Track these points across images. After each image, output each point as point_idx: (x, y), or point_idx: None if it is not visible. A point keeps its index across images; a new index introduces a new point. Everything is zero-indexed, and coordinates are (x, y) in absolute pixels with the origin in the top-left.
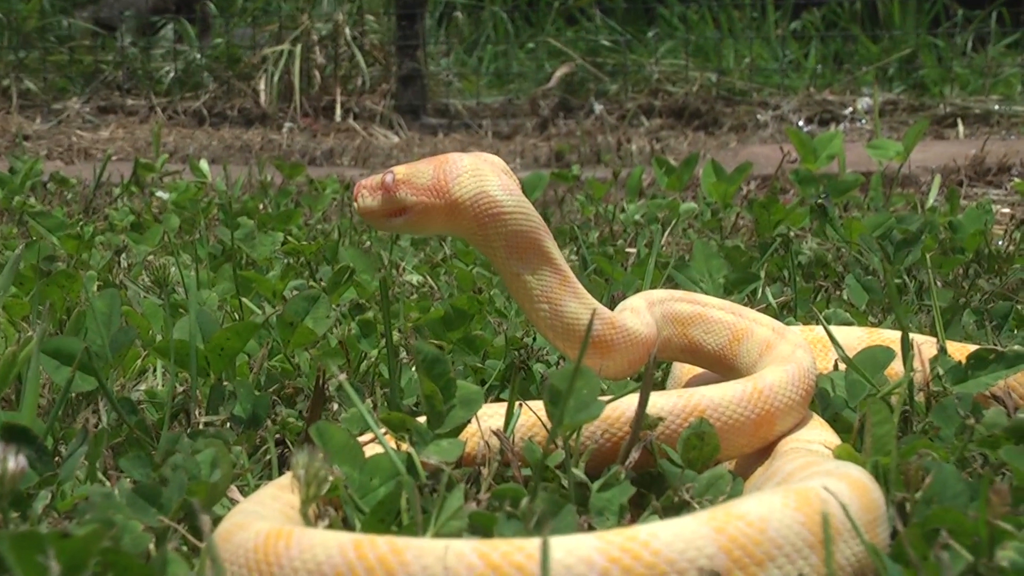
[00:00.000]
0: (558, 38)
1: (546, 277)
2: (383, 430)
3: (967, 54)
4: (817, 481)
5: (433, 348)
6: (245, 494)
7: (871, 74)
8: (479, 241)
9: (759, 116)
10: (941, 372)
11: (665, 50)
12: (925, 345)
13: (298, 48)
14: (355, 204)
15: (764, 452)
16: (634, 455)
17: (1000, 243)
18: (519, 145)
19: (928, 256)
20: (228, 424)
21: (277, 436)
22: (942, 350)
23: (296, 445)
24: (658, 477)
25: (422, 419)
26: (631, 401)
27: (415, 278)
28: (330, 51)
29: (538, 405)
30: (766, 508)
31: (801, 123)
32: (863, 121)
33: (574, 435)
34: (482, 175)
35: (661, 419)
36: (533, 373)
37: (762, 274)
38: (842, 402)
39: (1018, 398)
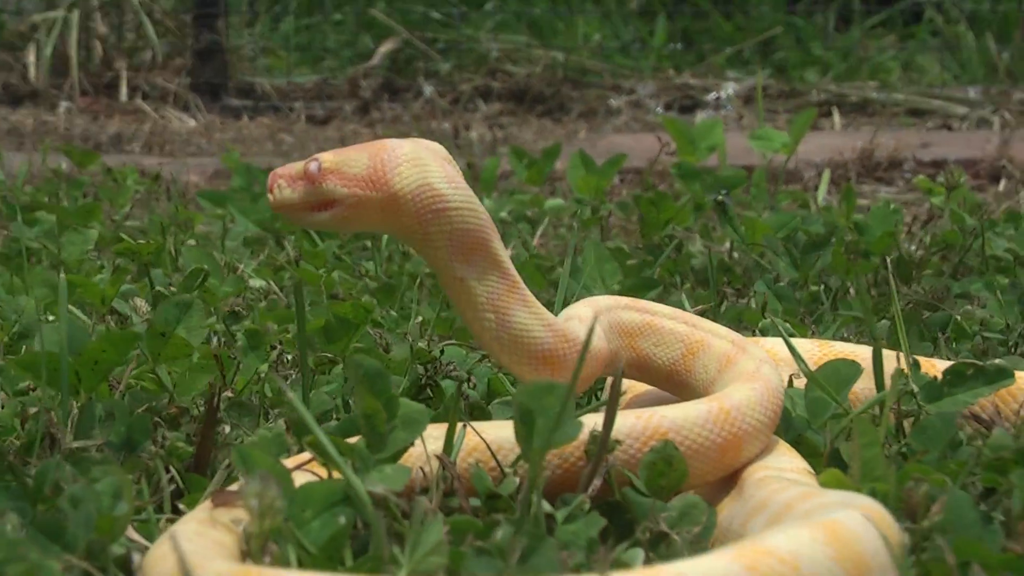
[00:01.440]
0: (382, 9)
1: (493, 283)
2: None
3: (830, 35)
4: (841, 513)
5: (374, 361)
6: (141, 529)
7: (723, 57)
8: (418, 240)
9: (612, 101)
10: (915, 389)
11: (495, 24)
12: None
13: (75, 15)
14: (269, 196)
15: (727, 482)
16: (596, 483)
17: (910, 246)
18: (337, 131)
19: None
20: (102, 449)
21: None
22: (915, 364)
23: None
24: (617, 507)
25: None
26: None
27: (258, 283)
28: (113, 19)
29: (479, 426)
30: (795, 543)
31: (660, 109)
32: (729, 108)
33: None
34: (424, 164)
35: (619, 442)
36: (442, 390)
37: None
38: (804, 422)
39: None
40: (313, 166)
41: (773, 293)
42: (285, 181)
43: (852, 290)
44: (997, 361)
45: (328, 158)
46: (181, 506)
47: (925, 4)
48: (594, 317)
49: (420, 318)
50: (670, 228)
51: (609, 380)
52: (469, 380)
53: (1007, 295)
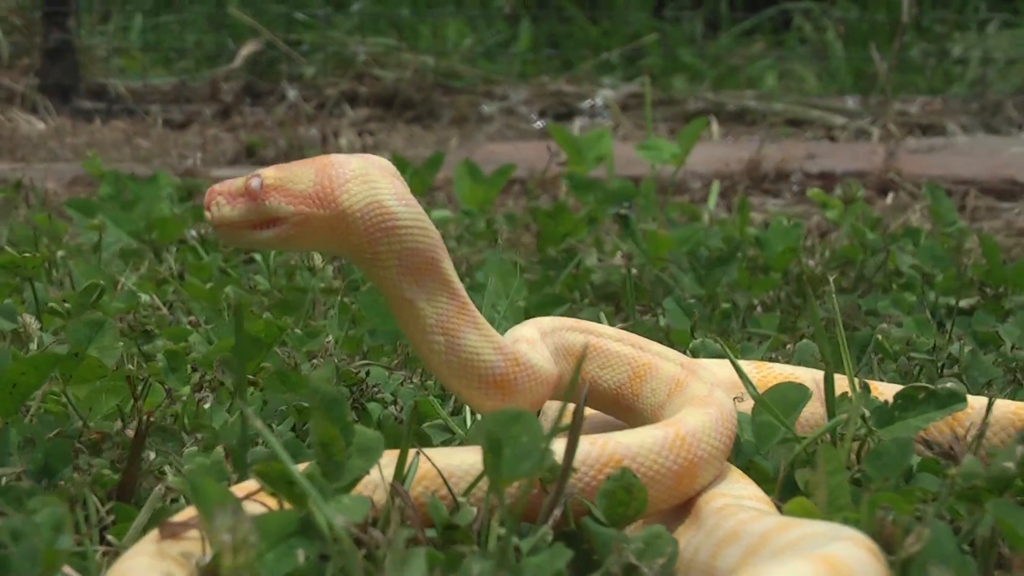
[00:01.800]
0: (243, 8)
1: (442, 304)
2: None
3: (696, 41)
4: (836, 546)
5: (331, 386)
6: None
7: (592, 63)
8: (367, 259)
9: (484, 108)
10: (866, 413)
11: (361, 26)
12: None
13: None
14: (207, 214)
15: (680, 510)
16: (557, 513)
17: (807, 261)
18: (198, 136)
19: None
20: (20, 478)
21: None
22: (865, 388)
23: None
24: (574, 536)
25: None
26: None
27: (144, 297)
28: None
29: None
30: None
31: (534, 116)
32: (605, 116)
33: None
34: (374, 181)
35: (574, 470)
36: (369, 413)
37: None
38: (752, 447)
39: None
40: (255, 182)
41: (682, 310)
42: (224, 198)
43: (759, 307)
44: (949, 385)
45: (271, 174)
46: (110, 537)
47: (794, 11)
48: (541, 339)
49: (331, 337)
50: (566, 242)
51: (571, 406)
52: (396, 402)
53: (916, 313)
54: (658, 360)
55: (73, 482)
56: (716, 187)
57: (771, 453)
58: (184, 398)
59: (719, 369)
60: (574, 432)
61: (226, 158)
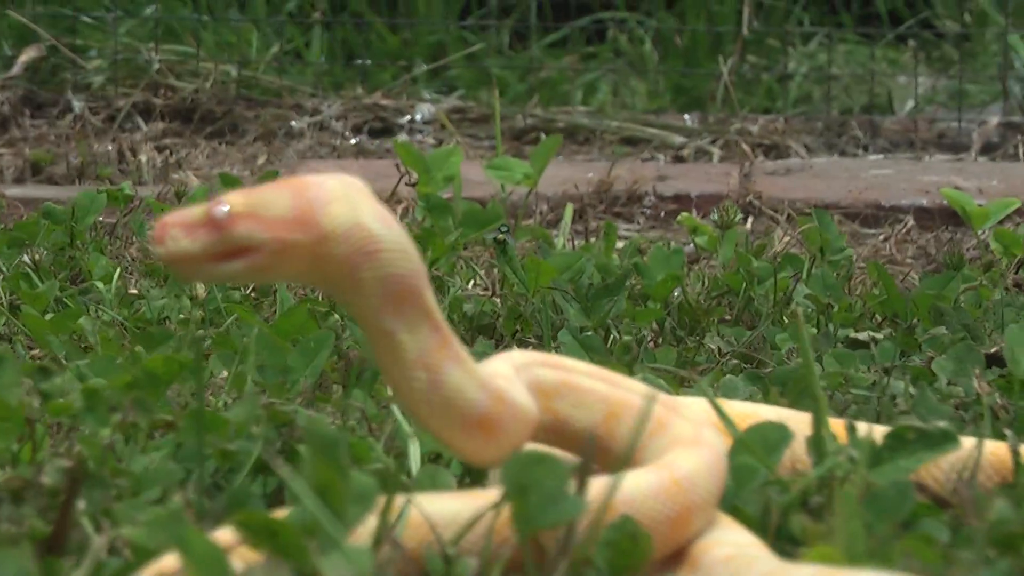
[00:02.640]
0: (20, 10)
1: (424, 337)
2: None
3: (504, 53)
4: None
5: (327, 427)
6: None
7: (405, 76)
8: (346, 287)
9: (294, 123)
10: (854, 455)
11: (145, 33)
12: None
13: None
14: (159, 248)
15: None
16: (563, 566)
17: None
18: None
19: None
20: None
21: None
22: (850, 428)
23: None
24: None
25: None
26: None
27: None
28: None
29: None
30: None
31: (349, 133)
32: (425, 132)
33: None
34: (356, 202)
35: None
36: (300, 456)
37: None
38: (730, 491)
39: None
40: (219, 210)
41: (580, 344)
42: (180, 230)
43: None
44: (939, 424)
45: (238, 200)
46: None
47: (608, 23)
48: (515, 375)
49: (224, 372)
50: (433, 269)
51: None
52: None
53: (818, 345)
54: (634, 398)
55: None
56: (570, 210)
57: (753, 497)
58: (106, 441)
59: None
60: (583, 478)
61: (10, 176)
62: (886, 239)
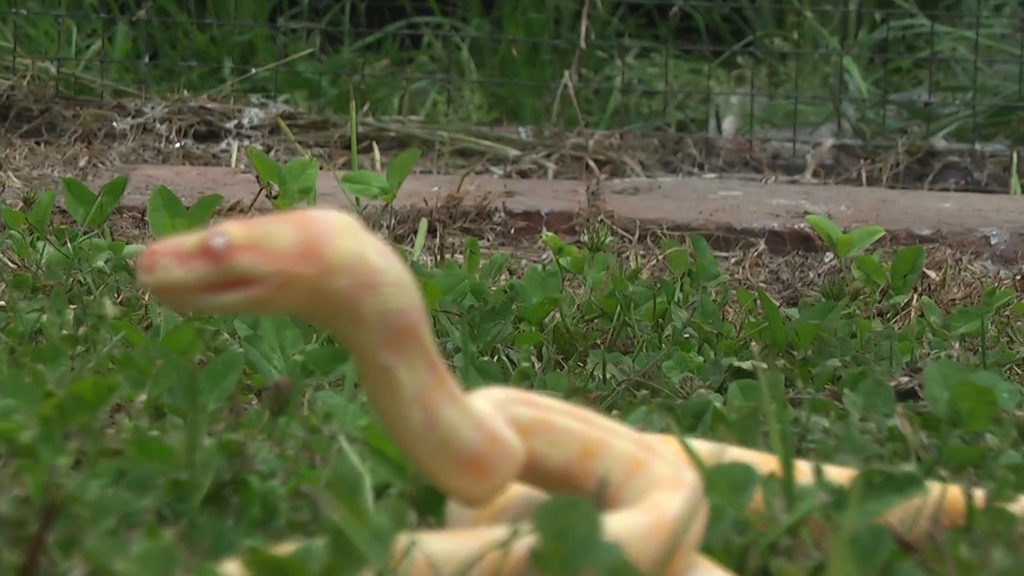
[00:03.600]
0: None
1: (421, 374)
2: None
3: (315, 56)
4: None
5: (353, 465)
6: None
7: (197, 72)
8: (346, 320)
9: (116, 124)
10: (825, 499)
11: None
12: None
13: None
14: (147, 277)
15: None
16: None
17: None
18: None
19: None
20: None
21: None
22: (818, 471)
23: None
24: None
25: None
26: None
27: None
28: None
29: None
30: None
31: (174, 136)
32: (253, 138)
33: None
34: (359, 236)
35: None
36: (251, 488)
37: None
38: None
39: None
40: (218, 241)
41: (476, 368)
42: (173, 260)
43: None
44: (905, 469)
45: (238, 232)
46: None
47: (423, 28)
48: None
49: (144, 396)
50: None
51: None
52: (274, 474)
53: (707, 374)
54: (609, 437)
55: None
56: (424, 226)
57: (723, 537)
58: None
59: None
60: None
61: None
62: (738, 262)
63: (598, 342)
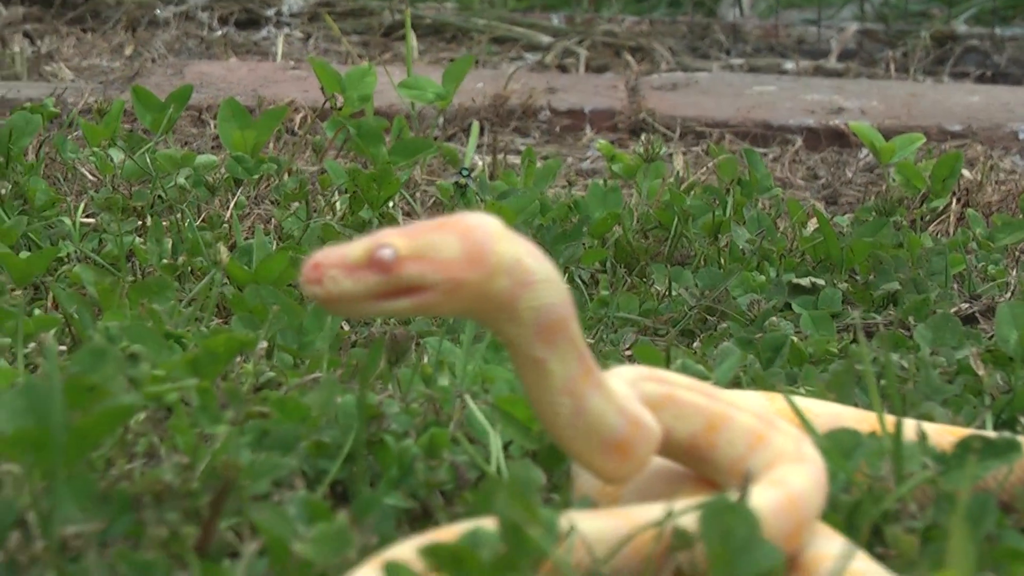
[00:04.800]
0: None
1: (571, 365)
2: None
3: None
4: None
5: (527, 465)
6: None
7: None
8: (504, 318)
9: (158, 11)
10: (929, 463)
11: None
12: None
13: None
14: (315, 289)
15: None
16: None
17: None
18: None
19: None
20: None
21: None
22: (922, 436)
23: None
24: None
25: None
26: (646, 512)
27: None
28: None
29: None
30: None
31: (216, 24)
32: (292, 26)
33: None
34: (514, 240)
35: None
36: (387, 448)
37: None
38: None
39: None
40: (386, 253)
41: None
42: (340, 272)
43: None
44: (1006, 434)
45: (403, 244)
46: None
47: None
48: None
49: (265, 342)
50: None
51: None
52: (407, 434)
53: (770, 294)
54: (731, 410)
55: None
56: (476, 130)
57: (836, 503)
58: (220, 439)
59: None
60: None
61: None
62: (776, 159)
63: (656, 253)
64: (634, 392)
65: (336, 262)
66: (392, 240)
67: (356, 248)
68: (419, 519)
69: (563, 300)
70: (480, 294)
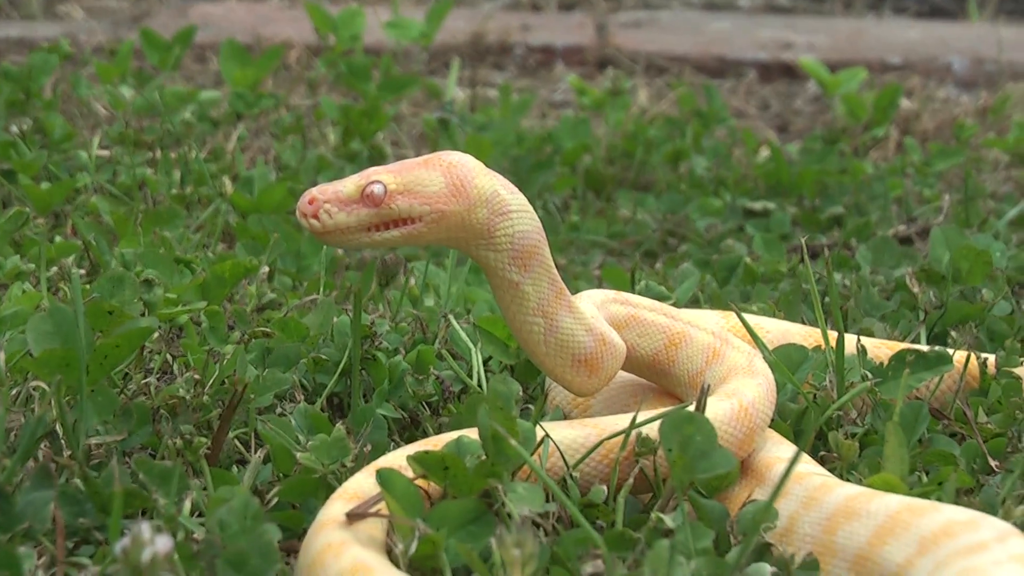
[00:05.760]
0: None
1: (543, 288)
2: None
3: None
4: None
5: (504, 383)
6: None
7: None
8: (482, 244)
9: None
10: (867, 374)
11: None
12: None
13: None
14: (312, 222)
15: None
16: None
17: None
18: None
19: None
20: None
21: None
22: (862, 352)
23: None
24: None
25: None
26: (615, 422)
27: None
28: None
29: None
30: None
31: None
32: None
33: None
34: (490, 173)
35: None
36: (381, 364)
37: None
38: None
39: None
40: (377, 188)
41: None
42: (334, 205)
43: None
44: (936, 348)
45: (391, 179)
46: None
47: None
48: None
49: (267, 267)
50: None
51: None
52: (398, 351)
53: (726, 217)
54: (690, 329)
55: (170, 449)
56: (456, 66)
57: (784, 411)
58: (228, 356)
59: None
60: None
61: None
62: (732, 90)
63: (623, 181)
64: (601, 313)
65: (330, 197)
66: (382, 177)
67: (348, 184)
68: (408, 428)
69: (535, 228)
70: (462, 223)
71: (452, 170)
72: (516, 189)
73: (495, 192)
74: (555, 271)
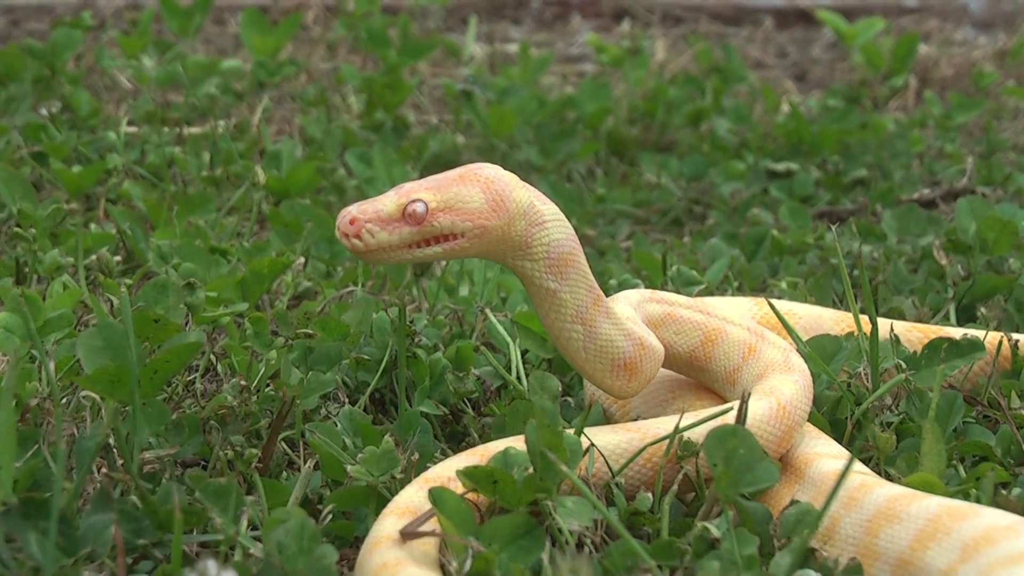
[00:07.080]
0: None
1: (581, 295)
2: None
3: None
4: None
5: (547, 401)
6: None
7: None
8: (519, 255)
9: None
10: (901, 363)
11: None
12: (813, 319)
13: None
14: (355, 242)
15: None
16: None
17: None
18: None
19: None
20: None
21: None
22: (895, 339)
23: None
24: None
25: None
26: (657, 426)
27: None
28: None
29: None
30: None
31: None
32: None
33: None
34: (525, 186)
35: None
36: (421, 361)
37: None
38: None
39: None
40: (419, 207)
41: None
42: (377, 225)
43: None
44: (968, 334)
45: (432, 197)
46: None
47: None
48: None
49: (302, 259)
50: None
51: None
52: (437, 347)
53: (750, 181)
54: (726, 325)
55: (221, 461)
56: (474, 23)
57: (820, 400)
58: (272, 361)
59: (726, 305)
60: (741, 419)
61: None
62: (749, 38)
63: (645, 143)
64: (638, 313)
65: (372, 217)
66: (422, 195)
67: (388, 203)
68: (449, 423)
69: (569, 235)
70: (502, 237)
71: (490, 185)
72: (547, 199)
73: (531, 204)
74: (592, 277)
